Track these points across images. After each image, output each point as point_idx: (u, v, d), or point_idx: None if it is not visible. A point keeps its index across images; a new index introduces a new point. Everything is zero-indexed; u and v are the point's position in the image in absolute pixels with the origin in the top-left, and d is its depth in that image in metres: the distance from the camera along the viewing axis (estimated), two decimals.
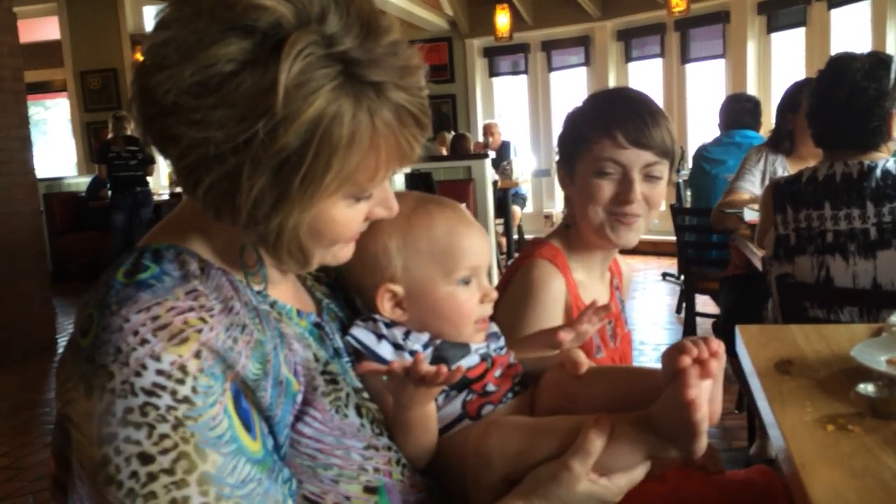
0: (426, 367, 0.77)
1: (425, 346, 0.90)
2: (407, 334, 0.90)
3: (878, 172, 2.02)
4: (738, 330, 1.58)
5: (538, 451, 0.80)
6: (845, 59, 2.10)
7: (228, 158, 0.66)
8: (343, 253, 0.82)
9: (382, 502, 0.79)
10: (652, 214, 1.33)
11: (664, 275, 6.57)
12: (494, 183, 6.74)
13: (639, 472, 0.80)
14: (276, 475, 0.71)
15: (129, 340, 0.65)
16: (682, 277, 4.29)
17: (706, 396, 0.74)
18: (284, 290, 0.85)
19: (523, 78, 9.36)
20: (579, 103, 1.39)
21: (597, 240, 1.35)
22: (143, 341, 0.65)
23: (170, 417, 0.64)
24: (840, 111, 2.07)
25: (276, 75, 0.63)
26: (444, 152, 7.85)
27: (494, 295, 0.95)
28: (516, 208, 7.66)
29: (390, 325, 0.90)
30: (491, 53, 9.37)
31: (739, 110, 4.00)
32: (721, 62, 7.83)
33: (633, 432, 0.77)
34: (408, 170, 4.07)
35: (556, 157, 1.42)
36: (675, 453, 0.76)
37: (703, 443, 0.73)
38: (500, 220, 7.20)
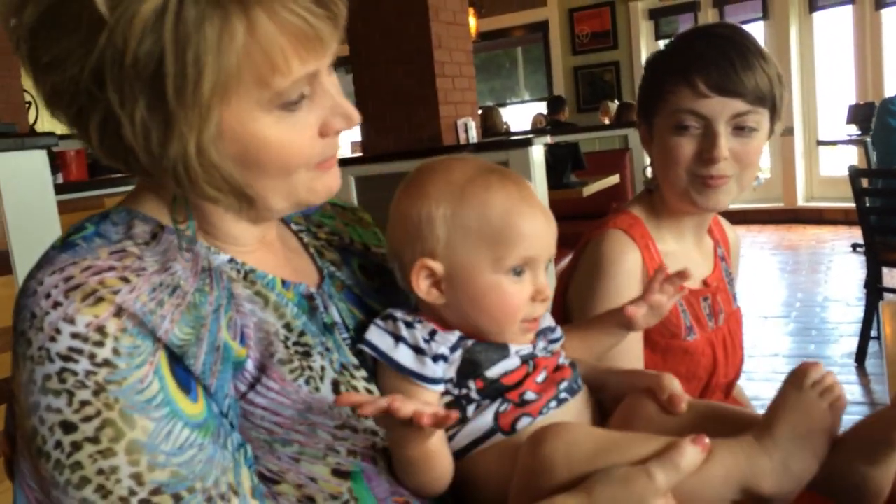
0: (406, 407, 0.62)
1: (453, 349, 0.78)
2: (432, 335, 0.78)
3: None
4: (880, 305, 1.36)
5: (614, 461, 0.66)
6: None
7: (96, 94, 0.60)
8: (321, 183, 0.70)
9: (359, 490, 0.71)
10: (747, 174, 1.14)
11: (853, 246, 5.92)
12: None
13: None
14: (224, 440, 0.65)
15: (42, 304, 0.61)
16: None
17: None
18: (266, 258, 0.77)
19: None
20: (663, 46, 1.23)
21: (683, 205, 1.19)
22: (56, 304, 0.61)
23: (89, 383, 0.60)
24: None
25: None
26: (608, 123, 7.55)
27: (548, 294, 0.81)
28: None
29: (412, 324, 0.78)
30: (657, 15, 8.85)
31: None
32: None
33: (734, 453, 0.68)
34: (548, 139, 3.86)
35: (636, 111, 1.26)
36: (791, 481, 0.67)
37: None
38: None
